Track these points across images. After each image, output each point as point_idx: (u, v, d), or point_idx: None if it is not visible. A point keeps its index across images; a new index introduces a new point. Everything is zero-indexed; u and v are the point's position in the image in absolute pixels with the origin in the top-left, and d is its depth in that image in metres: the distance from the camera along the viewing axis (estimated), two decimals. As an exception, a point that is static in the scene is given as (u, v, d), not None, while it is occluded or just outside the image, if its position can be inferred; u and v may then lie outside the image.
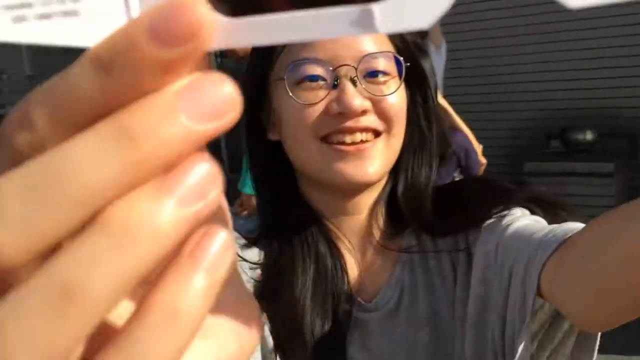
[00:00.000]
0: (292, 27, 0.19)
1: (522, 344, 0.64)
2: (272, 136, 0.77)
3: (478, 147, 2.71)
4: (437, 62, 4.47)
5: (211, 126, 0.18)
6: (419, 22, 0.19)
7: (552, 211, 0.75)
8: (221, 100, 0.18)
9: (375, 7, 0.19)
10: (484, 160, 2.75)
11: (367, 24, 0.19)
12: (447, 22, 4.62)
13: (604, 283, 0.55)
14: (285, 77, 0.72)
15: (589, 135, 4.57)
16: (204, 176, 0.18)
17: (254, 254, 0.76)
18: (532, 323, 0.66)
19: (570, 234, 0.61)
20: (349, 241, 0.77)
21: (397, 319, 0.74)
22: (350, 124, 0.70)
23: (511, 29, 5.12)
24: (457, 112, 4.21)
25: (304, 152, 0.73)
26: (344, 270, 0.74)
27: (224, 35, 0.19)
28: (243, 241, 0.77)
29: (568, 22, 4.89)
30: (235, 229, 0.77)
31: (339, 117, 0.70)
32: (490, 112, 4.59)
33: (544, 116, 5.05)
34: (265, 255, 0.76)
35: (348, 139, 0.71)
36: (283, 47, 0.73)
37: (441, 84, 4.38)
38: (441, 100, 2.65)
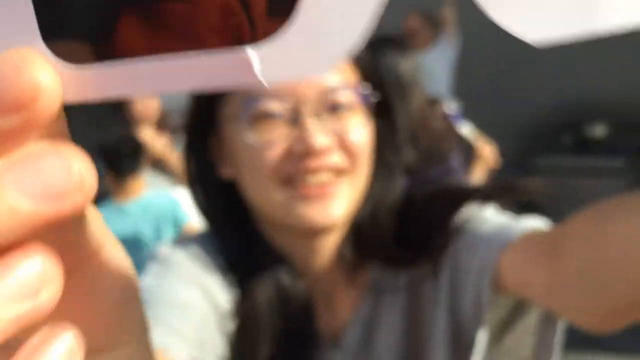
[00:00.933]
0: (157, 76, 0.17)
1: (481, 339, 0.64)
2: (224, 171, 0.72)
3: (488, 149, 2.67)
4: (448, 57, 4.43)
5: (48, 208, 0.16)
6: (313, 69, 0.16)
7: (515, 197, 0.74)
8: (62, 178, 0.16)
9: (252, 54, 0.16)
10: (494, 165, 2.74)
11: (245, 74, 0.16)
12: (461, 12, 4.57)
13: (611, 291, 0.54)
14: (240, 114, 0.66)
15: (601, 130, 4.58)
16: (34, 273, 0.16)
17: (218, 280, 0.71)
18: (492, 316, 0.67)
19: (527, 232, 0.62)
20: (315, 280, 0.73)
21: (363, 358, 0.72)
22: (314, 164, 0.65)
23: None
24: (468, 107, 4.19)
25: (263, 195, 0.68)
26: (310, 310, 0.70)
27: (77, 88, 0.17)
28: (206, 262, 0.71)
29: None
30: (196, 249, 0.72)
31: (301, 156, 0.65)
32: (501, 102, 4.55)
33: (557, 109, 5.01)
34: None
35: (312, 179, 0.66)
36: None
37: (450, 79, 4.35)
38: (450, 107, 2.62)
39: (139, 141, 2.54)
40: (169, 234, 2.31)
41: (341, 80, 0.67)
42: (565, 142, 4.75)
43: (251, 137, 0.66)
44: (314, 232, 0.69)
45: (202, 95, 0.71)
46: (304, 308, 0.70)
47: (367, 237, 0.73)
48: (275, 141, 0.65)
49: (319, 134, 0.65)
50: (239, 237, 0.72)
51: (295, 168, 0.65)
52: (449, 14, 4.37)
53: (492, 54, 4.50)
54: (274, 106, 0.65)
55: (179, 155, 2.94)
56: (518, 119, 4.88)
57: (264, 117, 0.66)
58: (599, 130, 4.60)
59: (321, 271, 0.73)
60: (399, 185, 0.75)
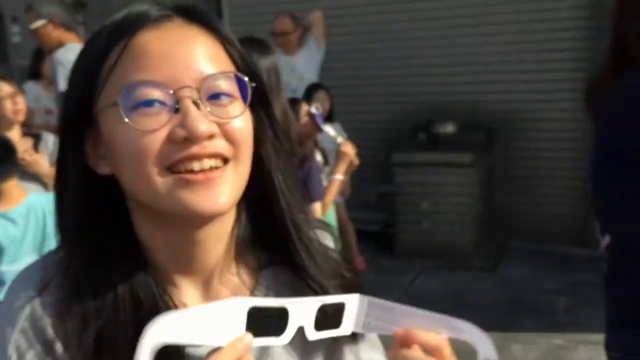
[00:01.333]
0: None
1: None
2: (102, 171, 0.69)
3: (347, 146, 2.77)
4: (316, 59, 4.54)
5: None
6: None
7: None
8: None
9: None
10: (356, 162, 2.85)
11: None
12: (325, 17, 4.73)
13: None
14: (119, 103, 0.64)
15: (450, 128, 4.85)
16: None
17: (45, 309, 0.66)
18: None
19: None
20: (194, 279, 0.72)
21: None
22: (197, 150, 0.65)
23: (381, 25, 5.33)
24: (332, 107, 4.34)
25: (145, 185, 0.65)
26: (158, 308, 0.67)
27: None
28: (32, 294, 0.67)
29: (434, 21, 5.18)
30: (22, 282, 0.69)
31: (184, 143, 0.64)
32: (363, 104, 4.75)
33: (412, 109, 5.31)
34: (70, 313, 0.66)
35: (196, 166, 0.65)
36: (110, 69, 0.66)
37: (317, 80, 4.47)
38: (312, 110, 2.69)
39: (8, 144, 2.43)
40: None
41: (219, 69, 0.67)
42: (419, 140, 4.99)
43: (133, 125, 0.64)
44: (197, 220, 0.67)
45: (76, 90, 0.69)
46: (154, 306, 0.67)
47: (269, 234, 0.74)
48: (157, 128, 0.64)
49: (202, 120, 0.64)
50: (103, 242, 0.68)
51: (179, 154, 0.64)
52: (317, 18, 4.45)
53: (354, 59, 4.70)
54: (155, 94, 0.64)
55: (45, 155, 2.85)
56: (377, 118, 5.11)
57: (144, 106, 0.64)
58: (448, 128, 4.86)
59: (205, 269, 0.72)
60: (294, 175, 0.75)
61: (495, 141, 5.08)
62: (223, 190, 0.66)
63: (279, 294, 0.76)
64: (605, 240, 1.64)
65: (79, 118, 0.68)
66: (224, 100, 0.67)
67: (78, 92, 0.69)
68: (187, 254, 0.72)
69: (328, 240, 0.84)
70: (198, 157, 0.65)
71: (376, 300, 0.65)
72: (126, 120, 0.64)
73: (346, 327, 0.64)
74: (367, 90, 4.82)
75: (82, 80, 0.69)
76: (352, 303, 0.65)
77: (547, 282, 4.35)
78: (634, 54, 1.53)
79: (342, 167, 2.77)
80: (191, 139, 0.64)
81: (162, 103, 0.64)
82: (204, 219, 0.68)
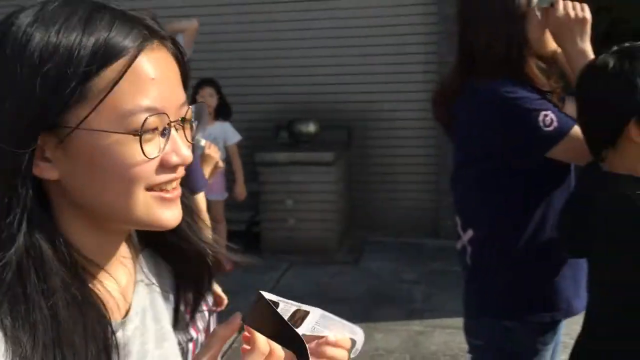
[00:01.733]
0: None
1: None
2: (46, 174, 0.67)
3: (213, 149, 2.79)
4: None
5: None
6: None
7: None
8: None
9: None
10: (221, 164, 2.87)
11: None
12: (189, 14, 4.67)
13: None
14: (113, 123, 0.64)
15: (312, 128, 4.98)
16: None
17: None
18: None
19: None
20: (107, 267, 0.75)
21: (144, 339, 0.78)
22: (179, 173, 0.71)
23: (238, 25, 5.36)
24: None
25: (124, 201, 0.68)
26: (101, 304, 0.70)
27: None
28: None
29: (292, 22, 5.29)
30: None
31: (174, 167, 0.69)
32: (231, 104, 4.75)
33: (275, 109, 5.39)
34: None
35: (170, 186, 0.70)
36: (106, 89, 0.64)
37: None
38: None
39: None
40: None
41: (184, 92, 0.71)
42: (281, 139, 5.09)
43: (128, 147, 0.65)
44: (155, 230, 0.73)
45: (46, 90, 0.63)
46: (89, 303, 0.69)
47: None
48: (151, 153, 0.66)
49: (187, 147, 0.70)
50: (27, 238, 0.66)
51: (167, 177, 0.69)
52: (192, 29, 4.39)
53: (213, 59, 4.69)
54: (156, 121, 0.66)
55: None
56: (239, 118, 5.12)
57: (147, 132, 0.65)
58: (310, 128, 4.97)
59: (117, 253, 0.77)
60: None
61: (355, 140, 5.30)
62: (179, 205, 0.73)
63: (156, 274, 0.84)
64: (468, 235, 1.76)
65: (34, 120, 0.64)
66: (188, 125, 0.72)
67: (41, 93, 0.63)
68: (112, 249, 0.76)
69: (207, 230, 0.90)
70: (177, 179, 0.71)
71: (325, 312, 0.79)
72: (120, 140, 0.65)
73: (303, 329, 0.75)
74: (228, 90, 4.83)
75: (48, 81, 0.63)
76: (315, 313, 0.77)
77: (405, 272, 4.61)
78: (482, 61, 1.64)
79: (207, 170, 2.77)
80: (181, 165, 0.70)
81: (156, 129, 0.67)
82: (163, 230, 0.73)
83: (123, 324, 0.75)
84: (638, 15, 8.19)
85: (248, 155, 5.03)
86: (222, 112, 4.58)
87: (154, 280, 0.83)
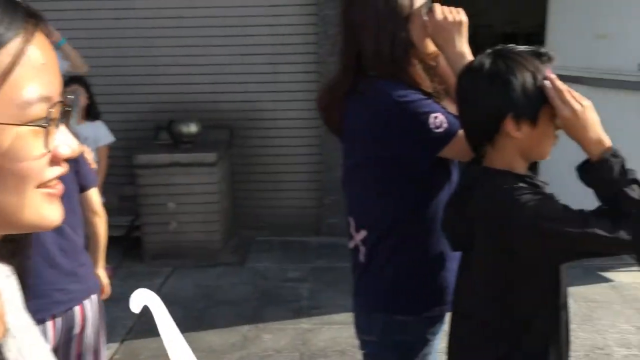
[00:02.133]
0: None
1: None
2: None
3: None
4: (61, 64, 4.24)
5: None
6: None
7: None
8: None
9: None
10: (94, 166, 2.75)
11: None
12: (58, 18, 4.42)
13: None
14: (17, 122, 0.58)
15: (193, 128, 4.86)
16: None
17: None
18: None
19: None
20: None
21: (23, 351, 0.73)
22: (64, 167, 0.64)
23: (118, 30, 5.15)
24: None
25: (15, 199, 0.60)
26: None
27: None
28: None
29: (171, 19, 5.16)
30: None
31: (61, 161, 0.63)
32: (105, 104, 4.54)
33: (153, 109, 5.23)
34: None
35: (55, 182, 0.64)
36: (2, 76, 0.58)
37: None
38: None
39: None
40: None
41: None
42: (161, 140, 4.94)
43: (25, 141, 0.59)
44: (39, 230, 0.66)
45: None
46: None
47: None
48: (49, 145, 0.61)
49: (72, 137, 0.65)
50: None
51: (55, 173, 0.63)
52: (79, 62, 4.21)
53: (86, 57, 4.48)
54: (46, 110, 0.60)
55: None
56: (116, 119, 4.94)
57: (39, 124, 0.60)
58: (191, 128, 4.84)
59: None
60: None
61: (237, 140, 5.25)
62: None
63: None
64: (361, 235, 1.79)
65: None
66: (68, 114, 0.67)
67: None
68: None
69: None
70: (62, 174, 0.64)
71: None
72: (19, 134, 0.58)
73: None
74: (104, 90, 4.63)
75: None
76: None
77: (291, 271, 4.64)
78: (370, 62, 1.67)
79: (99, 173, 2.69)
80: (71, 157, 0.64)
81: (47, 119, 0.60)
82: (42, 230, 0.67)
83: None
84: (499, 21, 8.88)
85: (125, 157, 4.85)
86: (92, 111, 4.37)
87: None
